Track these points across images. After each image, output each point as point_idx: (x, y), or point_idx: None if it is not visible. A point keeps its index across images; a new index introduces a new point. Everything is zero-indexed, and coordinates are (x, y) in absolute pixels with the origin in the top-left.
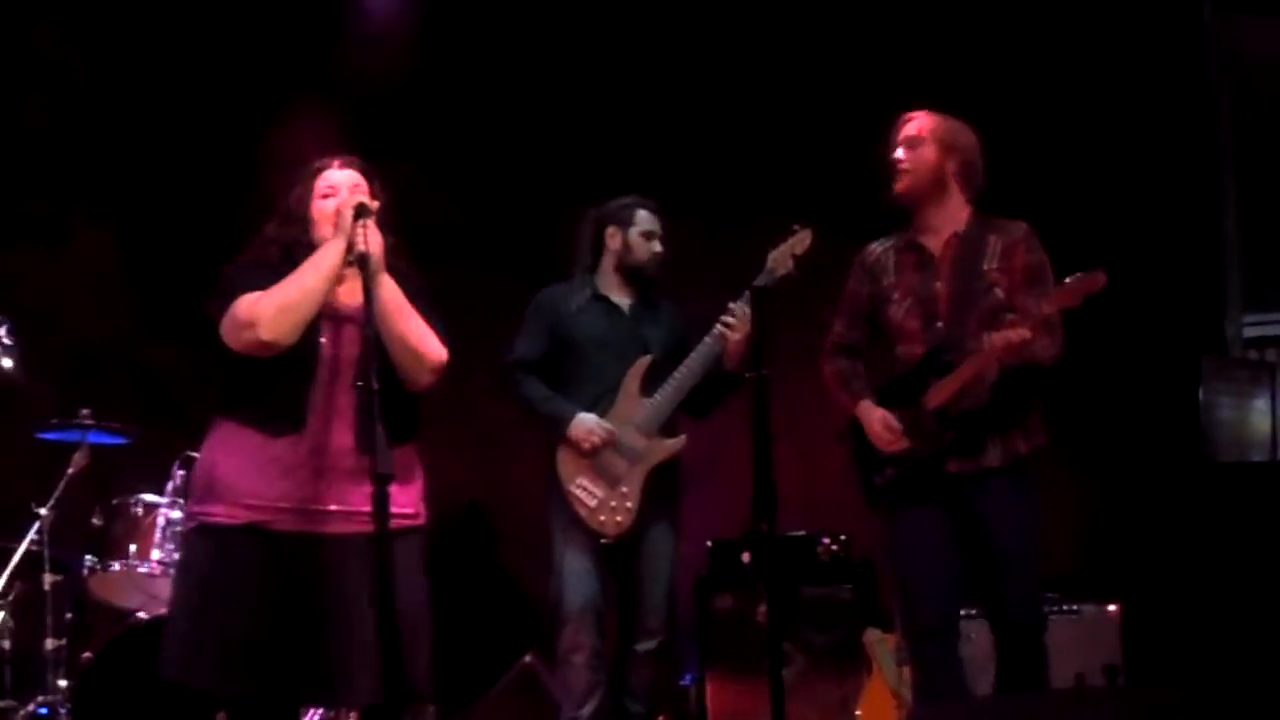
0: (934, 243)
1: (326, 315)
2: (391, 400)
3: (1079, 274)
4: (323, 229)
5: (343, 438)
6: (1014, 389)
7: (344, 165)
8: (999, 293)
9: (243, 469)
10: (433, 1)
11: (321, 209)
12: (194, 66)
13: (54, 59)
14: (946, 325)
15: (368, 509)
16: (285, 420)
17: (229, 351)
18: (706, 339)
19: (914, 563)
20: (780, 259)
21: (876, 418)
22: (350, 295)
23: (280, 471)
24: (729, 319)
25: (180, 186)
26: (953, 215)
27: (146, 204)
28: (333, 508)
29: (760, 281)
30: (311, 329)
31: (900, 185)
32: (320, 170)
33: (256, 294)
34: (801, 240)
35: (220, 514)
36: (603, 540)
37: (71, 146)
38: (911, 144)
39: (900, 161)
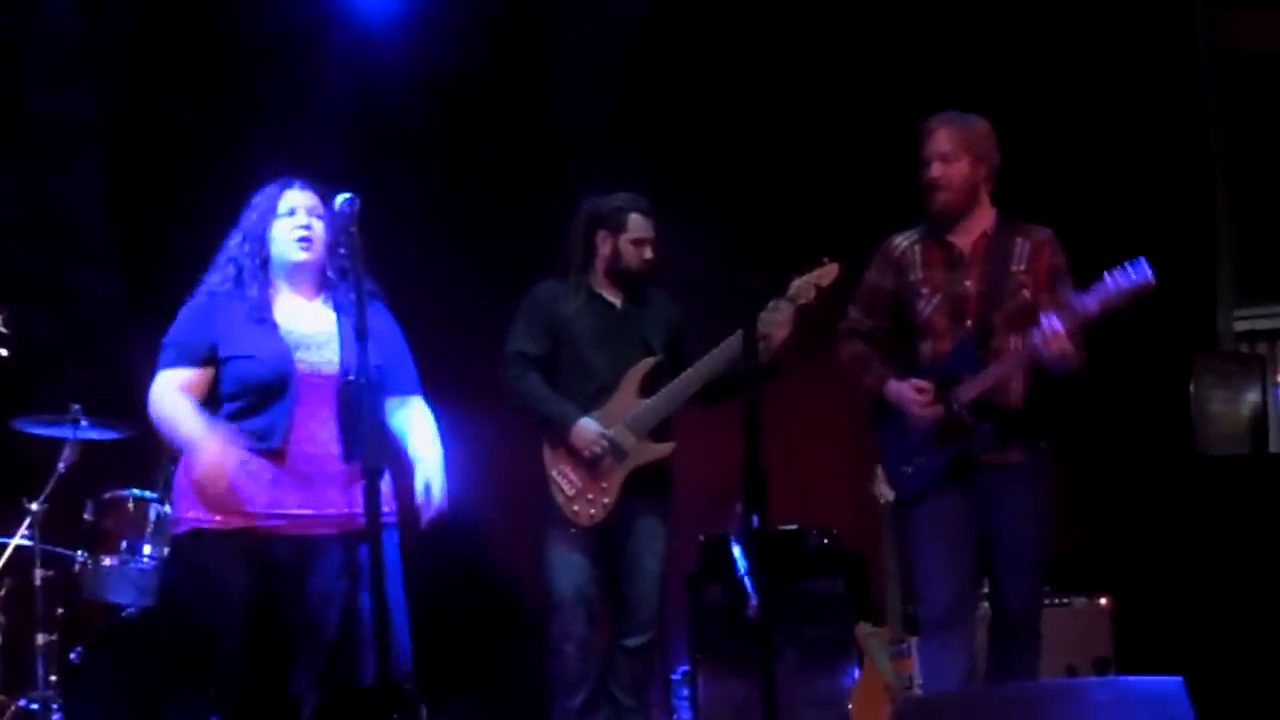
0: (964, 242)
1: (300, 342)
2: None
3: (1125, 280)
4: (281, 246)
5: (325, 446)
6: (1045, 387)
7: (304, 186)
8: (1026, 294)
9: (233, 480)
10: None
11: (280, 227)
12: (189, 64)
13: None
14: (975, 323)
15: (348, 510)
16: (268, 440)
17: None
18: (712, 352)
19: (933, 551)
20: (804, 288)
21: (907, 385)
22: (321, 321)
23: (270, 481)
24: (775, 316)
25: (175, 179)
26: (981, 216)
27: (141, 195)
28: (317, 512)
29: (780, 306)
30: (285, 356)
31: (940, 203)
32: (282, 189)
33: (164, 387)
34: (828, 273)
35: (215, 521)
36: (572, 530)
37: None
38: (945, 158)
39: (937, 179)
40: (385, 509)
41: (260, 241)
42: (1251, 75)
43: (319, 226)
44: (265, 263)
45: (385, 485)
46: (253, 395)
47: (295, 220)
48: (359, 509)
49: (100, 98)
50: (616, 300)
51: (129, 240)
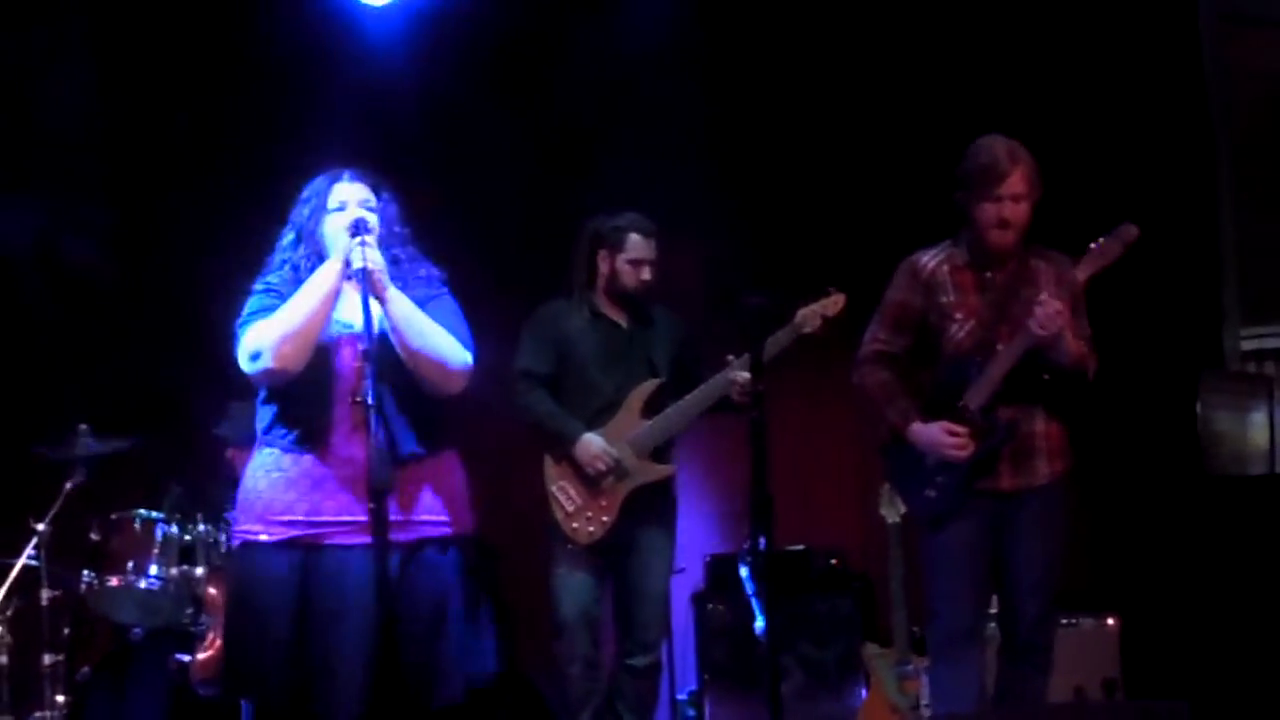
0: (994, 267)
1: (343, 335)
2: (418, 410)
3: (1106, 237)
4: (333, 242)
5: (363, 449)
6: (1058, 404)
7: (354, 177)
8: None
9: (275, 487)
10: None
11: (333, 223)
12: (203, 67)
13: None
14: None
15: (392, 518)
16: (309, 441)
17: (254, 380)
18: (714, 379)
19: (950, 568)
20: (809, 316)
21: (938, 430)
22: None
23: (310, 486)
24: (737, 381)
25: (186, 190)
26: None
27: (149, 209)
28: (358, 519)
29: (784, 335)
30: (328, 350)
31: (1007, 242)
32: (331, 182)
33: (262, 322)
34: (835, 303)
35: (260, 531)
36: (571, 547)
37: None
38: (1017, 199)
39: (1008, 220)
40: (441, 518)
41: (313, 238)
42: (1259, 94)
43: (373, 220)
44: (322, 260)
45: (462, 489)
46: (296, 395)
47: (346, 215)
48: (402, 516)
49: (106, 113)
50: (621, 320)
51: (135, 258)
